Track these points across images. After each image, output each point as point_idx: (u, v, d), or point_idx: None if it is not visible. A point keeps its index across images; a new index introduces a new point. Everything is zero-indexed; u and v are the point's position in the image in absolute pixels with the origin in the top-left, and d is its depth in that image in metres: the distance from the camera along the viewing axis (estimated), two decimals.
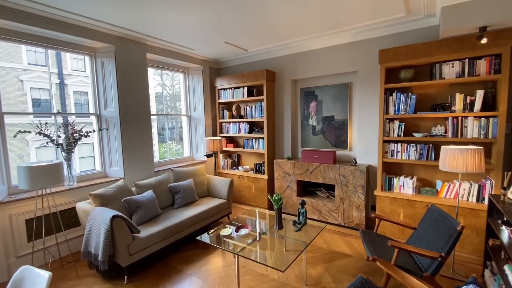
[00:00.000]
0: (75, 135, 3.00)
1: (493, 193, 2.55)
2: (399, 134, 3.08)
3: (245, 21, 3.04)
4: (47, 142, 2.87)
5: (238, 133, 4.64)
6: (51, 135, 2.83)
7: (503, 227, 1.93)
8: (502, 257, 1.94)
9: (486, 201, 2.62)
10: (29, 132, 2.74)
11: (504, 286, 1.74)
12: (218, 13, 2.80)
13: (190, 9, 2.69)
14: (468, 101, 2.70)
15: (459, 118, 2.74)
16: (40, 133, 2.77)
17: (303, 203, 2.61)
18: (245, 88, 4.40)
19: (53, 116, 3.15)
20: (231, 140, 5.00)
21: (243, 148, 4.67)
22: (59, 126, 3.08)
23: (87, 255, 2.50)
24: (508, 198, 2.06)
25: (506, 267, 1.75)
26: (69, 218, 2.99)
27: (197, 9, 2.70)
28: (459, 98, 2.74)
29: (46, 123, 2.85)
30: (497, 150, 2.54)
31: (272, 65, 4.39)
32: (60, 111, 3.14)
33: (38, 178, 2.31)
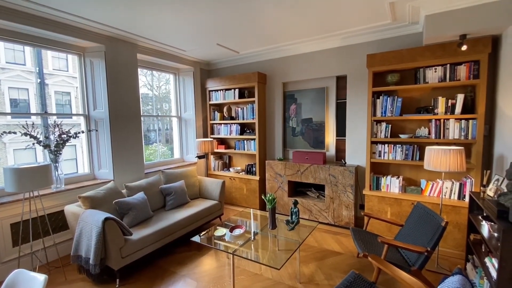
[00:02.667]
0: (63, 136, 2.92)
1: (473, 190, 2.71)
2: (386, 135, 3.21)
3: (237, 23, 3.08)
4: (33, 144, 2.78)
5: (229, 134, 4.66)
6: (37, 136, 2.74)
7: (483, 222, 2.05)
8: (483, 250, 2.07)
9: (467, 198, 2.78)
10: (15, 133, 2.64)
11: (485, 277, 1.86)
12: (210, 15, 2.82)
13: (183, 10, 2.70)
14: (449, 104, 2.86)
15: (442, 120, 2.90)
16: (26, 134, 2.68)
17: (295, 203, 2.67)
18: (237, 90, 4.43)
19: (34, 117, 3.05)
20: (222, 141, 5.01)
21: (234, 149, 4.69)
22: (46, 127, 2.99)
23: (77, 259, 2.44)
24: (488, 195, 2.20)
25: (487, 260, 1.87)
26: (57, 222, 2.90)
27: (190, 11, 2.72)
28: (441, 101, 2.90)
29: (33, 123, 2.76)
30: (476, 151, 2.71)
31: (263, 68, 4.45)
32: (46, 111, 3.05)
33: (26, 181, 2.23)
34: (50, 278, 2.56)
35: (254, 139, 4.39)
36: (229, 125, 4.66)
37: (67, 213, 2.66)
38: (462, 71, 2.77)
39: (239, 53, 4.36)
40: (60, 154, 2.94)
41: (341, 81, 3.89)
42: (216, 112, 4.81)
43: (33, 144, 2.77)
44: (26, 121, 2.76)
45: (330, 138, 3.99)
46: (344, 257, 2.85)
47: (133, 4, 2.54)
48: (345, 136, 3.86)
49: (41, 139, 2.78)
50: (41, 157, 3.07)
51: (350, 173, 3.44)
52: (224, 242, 2.38)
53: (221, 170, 4.81)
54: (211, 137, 4.88)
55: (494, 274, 1.70)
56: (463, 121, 2.79)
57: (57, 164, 2.93)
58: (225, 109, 4.69)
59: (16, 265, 2.56)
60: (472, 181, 2.74)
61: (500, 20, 2.35)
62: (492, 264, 1.78)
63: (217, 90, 4.70)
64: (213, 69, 5.08)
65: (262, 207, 4.38)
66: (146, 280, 2.51)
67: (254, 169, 4.40)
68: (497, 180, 2.25)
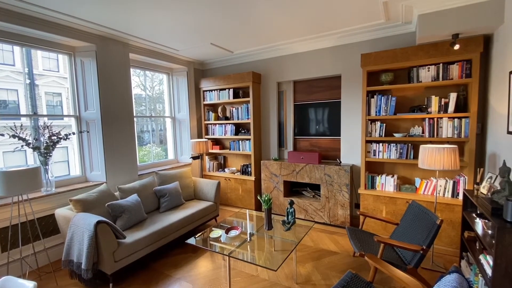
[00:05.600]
0: (53, 138, 2.85)
1: (466, 188, 2.74)
2: (381, 134, 3.22)
3: (231, 23, 3.06)
4: (22, 146, 2.70)
5: (224, 134, 4.63)
6: (26, 138, 2.67)
7: (477, 220, 2.07)
8: (477, 247, 2.09)
9: (460, 196, 2.81)
10: (2, 135, 2.56)
11: (480, 274, 1.87)
12: (203, 14, 2.79)
13: (176, 9, 2.66)
14: (442, 103, 2.88)
15: (435, 119, 2.92)
16: (14, 136, 2.60)
17: (291, 203, 2.65)
18: (231, 90, 4.40)
19: (24, 118, 2.97)
20: (217, 142, 4.97)
21: (229, 150, 4.66)
22: (36, 129, 2.91)
23: (68, 263, 2.38)
24: (481, 192, 2.22)
25: (481, 257, 1.88)
26: (47, 226, 2.83)
27: (183, 10, 2.68)
28: (434, 100, 2.92)
29: (22, 125, 2.69)
30: (469, 149, 2.74)
31: (258, 67, 4.43)
32: (36, 112, 2.98)
33: (15, 184, 2.17)
34: (41, 284, 2.49)
35: (249, 139, 4.36)
36: (223, 125, 4.63)
37: (58, 216, 2.60)
38: (455, 70, 2.80)
39: (233, 53, 4.33)
40: (50, 156, 2.86)
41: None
42: (210, 112, 4.77)
43: (22, 146, 2.70)
44: (14, 122, 2.68)
45: (289, 137, 4.33)
46: (341, 256, 2.85)
47: (123, 3, 2.49)
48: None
49: (30, 141, 2.71)
50: (32, 159, 3.00)
51: (345, 173, 3.45)
52: (220, 244, 2.35)
53: (216, 171, 4.77)
54: (205, 138, 4.84)
55: (488, 271, 1.71)
56: (456, 119, 2.82)
57: (47, 167, 2.85)
58: (219, 109, 4.65)
59: (5, 272, 2.48)
60: (465, 179, 2.77)
61: (492, 20, 2.38)
62: (486, 261, 1.79)
63: (211, 90, 4.66)
64: (207, 69, 5.04)
65: (258, 207, 4.36)
66: (140, 284, 2.47)
67: (249, 169, 4.38)
68: (490, 177, 2.27)
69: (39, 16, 2.65)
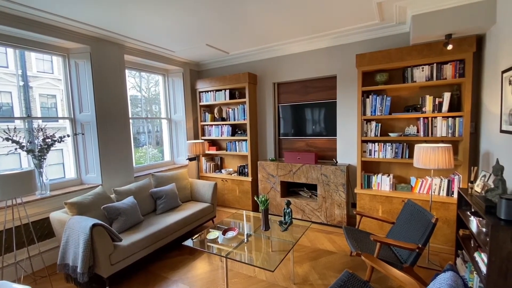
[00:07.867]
0: (47, 140, 2.82)
1: (461, 187, 2.77)
2: (376, 134, 3.24)
3: (226, 24, 3.06)
4: (15, 149, 2.67)
5: (221, 135, 4.62)
6: (20, 141, 2.64)
7: (472, 218, 2.09)
8: (472, 245, 2.11)
9: (455, 195, 2.83)
10: None
11: (475, 272, 1.89)
12: (198, 15, 2.79)
13: (172, 10, 2.65)
14: (436, 102, 2.91)
15: (429, 118, 2.95)
16: (8, 139, 2.57)
17: (288, 203, 2.66)
18: (227, 91, 4.40)
19: (18, 121, 2.93)
20: (213, 143, 4.96)
21: (226, 150, 4.66)
22: (30, 131, 2.88)
23: (64, 267, 2.35)
24: (475, 191, 2.24)
25: (476, 255, 1.90)
26: (42, 229, 2.80)
27: (177, 11, 2.67)
28: (429, 100, 2.95)
29: (15, 128, 2.66)
30: (463, 148, 2.77)
31: (254, 68, 4.44)
32: (30, 115, 2.95)
33: (8, 187, 2.13)
34: None
35: (245, 140, 4.36)
36: (220, 126, 4.62)
37: (53, 220, 2.57)
38: (448, 70, 2.83)
39: (229, 54, 4.33)
40: (45, 159, 2.83)
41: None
42: (206, 113, 4.76)
43: (16, 149, 2.67)
44: (7, 125, 2.65)
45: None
46: (338, 256, 2.86)
47: (118, 4, 2.48)
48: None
49: (24, 144, 2.68)
50: (26, 162, 2.97)
51: (341, 172, 3.46)
52: (217, 245, 2.34)
53: (213, 172, 4.76)
54: (202, 139, 4.83)
55: (483, 268, 1.73)
56: (450, 119, 2.85)
57: (41, 170, 2.82)
58: (216, 110, 4.64)
59: (0, 276, 2.45)
60: (459, 177, 2.80)
61: (484, 20, 2.41)
62: (481, 259, 1.81)
63: (208, 91, 4.65)
64: (203, 70, 5.03)
65: (255, 208, 4.36)
66: (137, 286, 2.45)
67: (246, 170, 4.38)
68: (484, 176, 2.30)
69: (33, 18, 2.63)
